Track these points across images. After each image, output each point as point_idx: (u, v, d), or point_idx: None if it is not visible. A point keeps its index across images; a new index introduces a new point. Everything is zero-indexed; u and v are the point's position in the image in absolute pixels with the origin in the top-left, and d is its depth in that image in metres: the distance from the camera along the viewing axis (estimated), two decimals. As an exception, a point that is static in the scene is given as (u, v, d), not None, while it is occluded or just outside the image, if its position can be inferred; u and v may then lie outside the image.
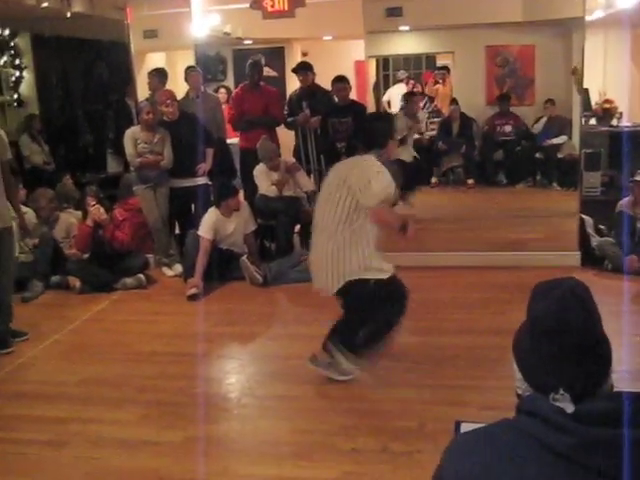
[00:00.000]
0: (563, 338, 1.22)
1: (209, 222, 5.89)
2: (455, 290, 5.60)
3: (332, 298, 3.69)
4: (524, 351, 1.30)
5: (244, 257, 5.94)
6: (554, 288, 1.28)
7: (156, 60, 8.18)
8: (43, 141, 8.21)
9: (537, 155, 7.99)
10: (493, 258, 6.11)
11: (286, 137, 7.21)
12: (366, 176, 3.62)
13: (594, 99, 8.56)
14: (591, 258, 5.90)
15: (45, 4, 6.00)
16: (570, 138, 7.51)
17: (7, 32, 8.32)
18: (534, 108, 7.92)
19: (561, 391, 1.20)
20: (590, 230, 6.07)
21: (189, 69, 7.04)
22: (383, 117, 4.62)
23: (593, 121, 8.12)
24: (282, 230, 6.47)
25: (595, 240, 5.99)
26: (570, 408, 1.18)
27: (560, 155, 7.72)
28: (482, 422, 1.35)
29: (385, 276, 3.75)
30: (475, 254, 6.20)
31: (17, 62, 8.56)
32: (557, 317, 1.23)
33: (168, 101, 6.26)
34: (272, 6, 7.20)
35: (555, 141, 7.74)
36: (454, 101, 8.34)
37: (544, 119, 7.79)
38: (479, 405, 3.51)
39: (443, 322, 4.87)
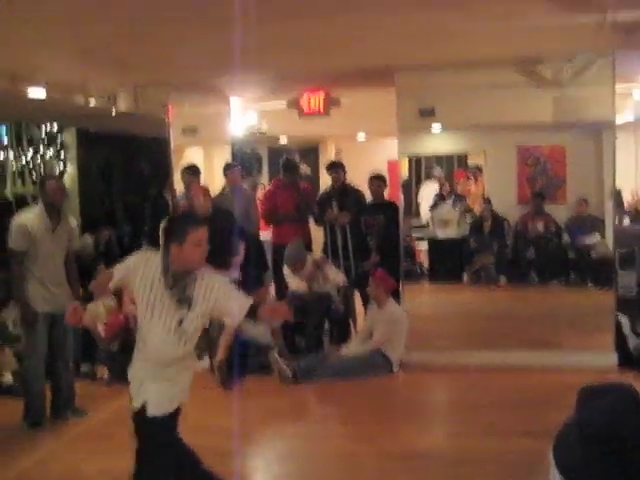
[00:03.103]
0: (616, 446, 1.16)
1: None
2: (485, 390, 5.45)
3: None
4: (571, 458, 1.22)
5: (275, 352, 5.93)
6: (606, 393, 1.21)
7: (194, 154, 8.46)
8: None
9: (570, 254, 7.94)
10: (526, 357, 5.98)
11: (319, 233, 7.30)
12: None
13: (627, 199, 8.57)
14: (628, 359, 5.74)
15: (92, 103, 6.28)
16: (603, 237, 7.46)
17: (55, 127, 8.71)
18: (566, 207, 7.93)
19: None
20: (627, 331, 5.93)
21: (229, 165, 7.26)
22: (171, 218, 4.07)
23: (626, 220, 8.10)
24: (312, 326, 6.47)
25: (633, 341, 5.84)
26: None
27: (594, 254, 7.66)
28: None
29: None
30: (507, 353, 6.07)
31: (62, 155, 8.91)
32: (611, 425, 1.17)
33: (200, 195, 6.41)
34: (308, 106, 7.49)
35: (588, 241, 7.70)
36: (486, 200, 8.40)
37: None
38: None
39: (472, 424, 4.72)
